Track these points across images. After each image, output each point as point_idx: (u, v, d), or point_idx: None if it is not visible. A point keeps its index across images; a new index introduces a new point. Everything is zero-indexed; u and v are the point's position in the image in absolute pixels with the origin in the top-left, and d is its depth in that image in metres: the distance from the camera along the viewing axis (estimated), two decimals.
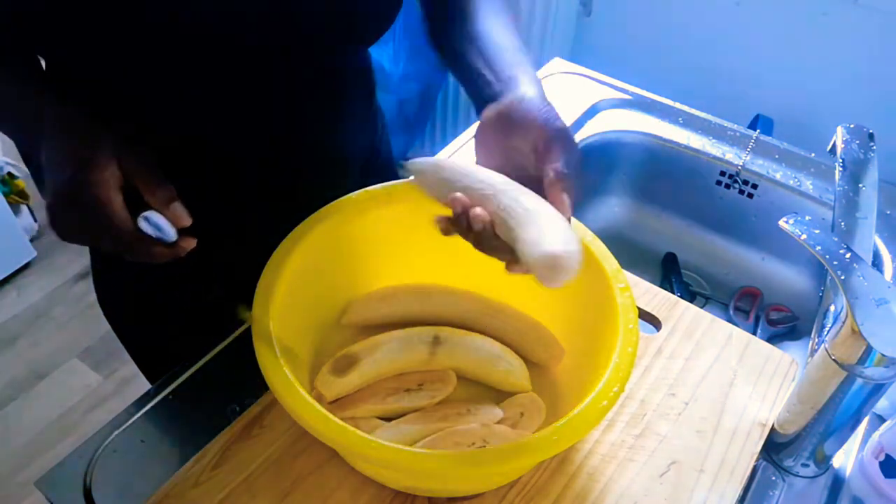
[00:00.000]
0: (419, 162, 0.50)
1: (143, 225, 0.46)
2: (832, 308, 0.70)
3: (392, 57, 1.62)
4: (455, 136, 0.92)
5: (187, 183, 0.65)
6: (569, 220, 0.45)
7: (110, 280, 0.74)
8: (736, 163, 0.90)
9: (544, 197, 0.46)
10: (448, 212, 0.48)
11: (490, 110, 0.50)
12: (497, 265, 0.63)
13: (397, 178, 0.62)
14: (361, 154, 0.74)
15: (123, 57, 0.52)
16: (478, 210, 0.45)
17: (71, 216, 0.46)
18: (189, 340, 0.66)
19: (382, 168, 0.79)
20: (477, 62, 0.55)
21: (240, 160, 0.63)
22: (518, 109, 0.49)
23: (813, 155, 0.91)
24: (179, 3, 0.50)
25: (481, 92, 0.53)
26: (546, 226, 0.43)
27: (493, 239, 0.46)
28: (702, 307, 0.76)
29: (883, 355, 0.47)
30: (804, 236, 0.51)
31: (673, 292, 0.83)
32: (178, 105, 0.57)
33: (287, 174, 0.66)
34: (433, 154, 0.88)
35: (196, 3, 0.50)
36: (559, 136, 0.48)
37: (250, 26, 0.53)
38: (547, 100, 0.50)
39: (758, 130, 0.93)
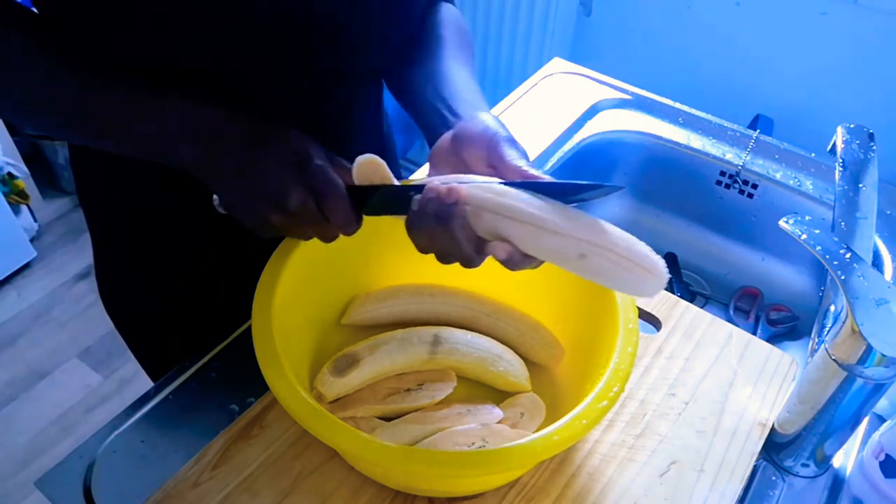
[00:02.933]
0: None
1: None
2: (832, 308, 0.70)
3: None
4: None
5: (190, 180, 0.65)
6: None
7: (114, 278, 0.74)
8: (736, 163, 0.90)
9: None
10: None
11: (444, 136, 0.52)
12: (497, 264, 0.63)
13: (400, 178, 0.62)
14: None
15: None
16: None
17: (294, 197, 0.45)
18: (192, 338, 0.67)
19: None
20: (434, 100, 0.56)
21: None
22: (468, 127, 0.51)
23: (813, 155, 0.91)
24: None
25: (437, 128, 0.54)
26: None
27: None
28: (702, 307, 0.76)
29: (883, 355, 0.47)
30: (804, 236, 0.51)
31: (673, 292, 0.83)
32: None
33: None
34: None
35: None
36: (507, 140, 0.49)
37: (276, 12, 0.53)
38: (499, 120, 0.51)
39: (758, 130, 0.93)
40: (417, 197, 0.46)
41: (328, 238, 0.49)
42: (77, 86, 0.50)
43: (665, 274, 0.45)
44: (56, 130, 0.56)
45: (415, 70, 0.60)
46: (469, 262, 0.47)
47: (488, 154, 0.49)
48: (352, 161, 0.48)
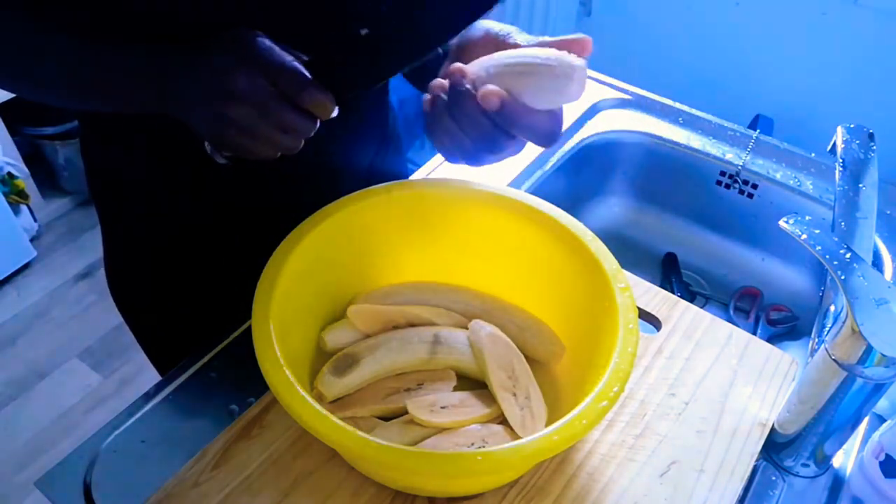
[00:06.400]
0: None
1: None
2: (832, 308, 0.70)
3: None
4: None
5: (193, 181, 0.66)
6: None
7: (123, 269, 0.74)
8: (736, 163, 0.90)
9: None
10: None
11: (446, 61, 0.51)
12: (497, 263, 0.63)
13: (401, 178, 0.62)
14: (372, 150, 0.74)
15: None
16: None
17: (242, 78, 0.44)
18: (199, 331, 0.67)
19: (389, 167, 0.79)
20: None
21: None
22: (468, 35, 0.50)
23: (813, 155, 0.91)
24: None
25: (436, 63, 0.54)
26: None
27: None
28: (702, 307, 0.76)
29: (883, 355, 0.47)
30: (804, 236, 0.51)
31: (673, 292, 0.83)
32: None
33: (297, 173, 0.66)
34: (431, 156, 0.88)
35: None
36: (512, 35, 0.49)
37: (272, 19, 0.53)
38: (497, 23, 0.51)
39: (758, 130, 0.93)
40: (427, 97, 0.46)
41: (300, 126, 0.46)
42: (60, 44, 0.50)
43: (572, 68, 0.44)
44: (31, 90, 0.56)
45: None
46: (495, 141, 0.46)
47: (488, 47, 0.49)
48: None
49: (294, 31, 0.48)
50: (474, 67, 0.46)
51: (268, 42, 0.45)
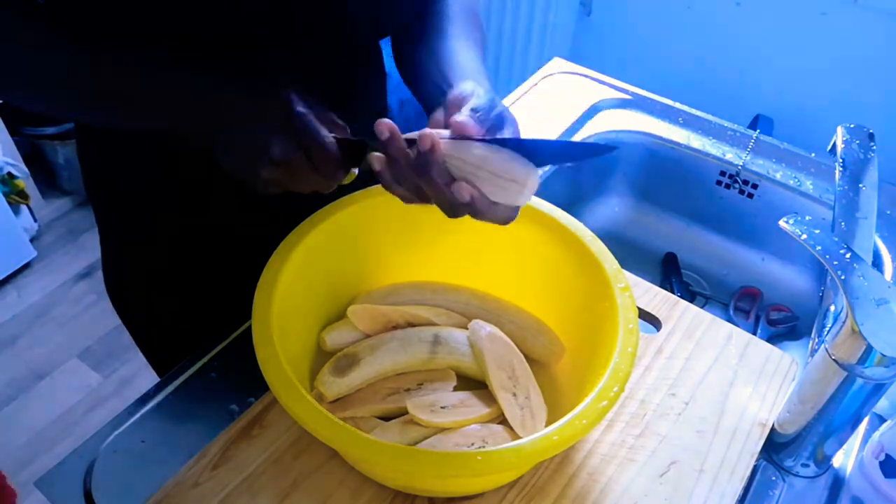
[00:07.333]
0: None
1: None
2: (832, 308, 0.70)
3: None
4: None
5: (191, 181, 0.66)
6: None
7: (120, 272, 0.74)
8: (736, 163, 0.90)
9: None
10: None
11: (438, 109, 0.52)
12: (498, 263, 0.63)
13: None
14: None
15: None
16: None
17: (278, 148, 0.46)
18: (197, 333, 0.67)
19: None
20: (437, 79, 0.56)
21: None
22: (453, 93, 0.50)
23: (813, 155, 0.91)
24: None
25: (436, 104, 0.54)
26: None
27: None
28: (702, 307, 0.76)
29: (883, 355, 0.47)
30: (804, 236, 0.51)
31: (673, 292, 0.83)
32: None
33: None
34: None
35: None
36: (472, 98, 0.49)
37: (263, 18, 0.53)
38: (484, 85, 0.51)
39: (758, 130, 0.93)
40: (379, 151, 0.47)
41: (325, 188, 0.50)
42: (85, 61, 0.50)
43: (523, 184, 0.45)
44: (51, 105, 0.57)
45: (421, 48, 0.60)
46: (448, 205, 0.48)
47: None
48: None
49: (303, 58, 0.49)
50: (446, 146, 0.47)
51: (305, 109, 0.47)
